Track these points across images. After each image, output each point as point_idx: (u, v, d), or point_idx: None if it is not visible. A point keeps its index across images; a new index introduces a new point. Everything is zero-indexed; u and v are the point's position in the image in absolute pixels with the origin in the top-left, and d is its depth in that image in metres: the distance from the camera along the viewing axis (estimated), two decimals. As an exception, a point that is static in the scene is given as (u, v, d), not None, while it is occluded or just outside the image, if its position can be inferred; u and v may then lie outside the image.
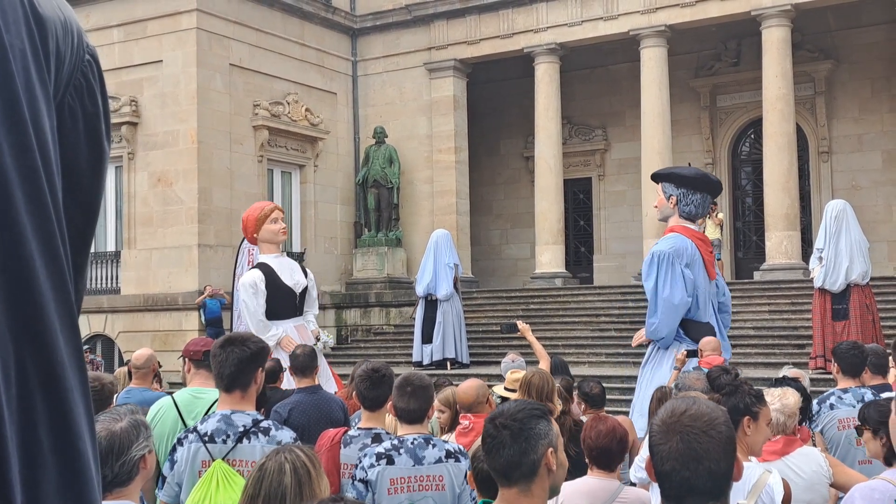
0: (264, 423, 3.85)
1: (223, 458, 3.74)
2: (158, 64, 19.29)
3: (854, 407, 5.77)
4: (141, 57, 19.46)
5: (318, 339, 8.10)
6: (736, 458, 2.03)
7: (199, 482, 3.67)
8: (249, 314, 7.81)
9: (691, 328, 7.36)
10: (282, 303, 7.92)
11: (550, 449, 2.53)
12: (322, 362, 7.80)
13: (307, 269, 8.43)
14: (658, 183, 7.92)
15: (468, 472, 3.29)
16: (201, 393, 4.77)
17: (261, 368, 3.88)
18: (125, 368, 8.18)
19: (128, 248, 19.44)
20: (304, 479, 2.80)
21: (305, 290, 8.12)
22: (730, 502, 2.05)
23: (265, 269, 7.94)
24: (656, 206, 7.91)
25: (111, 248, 19.90)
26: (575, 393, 6.79)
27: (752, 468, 3.71)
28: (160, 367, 7.11)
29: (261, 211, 8.07)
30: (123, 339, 18.91)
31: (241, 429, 3.80)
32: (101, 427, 2.85)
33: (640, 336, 7.86)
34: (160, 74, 19.27)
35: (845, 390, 5.97)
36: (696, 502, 1.99)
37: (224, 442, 3.79)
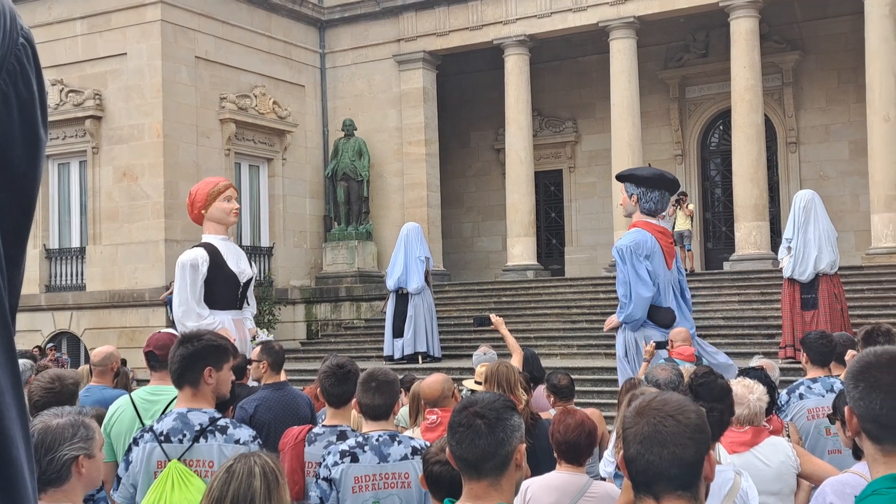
0: (222, 422, 3.76)
1: (179, 458, 3.65)
2: (123, 57, 19.03)
3: (823, 396, 5.76)
4: (105, 50, 19.19)
5: (254, 339, 7.32)
6: (707, 454, 1.97)
7: (154, 483, 3.59)
8: (180, 297, 6.92)
9: (655, 313, 7.92)
10: (223, 290, 7.09)
11: (522, 444, 2.47)
12: None
13: (251, 261, 7.66)
14: (622, 183, 8.50)
15: (420, 475, 3.22)
16: (159, 391, 4.66)
17: (211, 367, 3.76)
18: (87, 366, 8.01)
19: (93, 243, 19.17)
20: (273, 485, 2.77)
21: (249, 281, 7.34)
22: (703, 501, 1.98)
23: (210, 249, 7.05)
24: (622, 205, 8.61)
25: (76, 243, 19.63)
26: (543, 386, 6.74)
27: (724, 471, 3.68)
28: (125, 365, 6.88)
29: (214, 186, 7.19)
30: (89, 336, 18.66)
31: (198, 427, 3.71)
32: (39, 421, 2.81)
33: (611, 321, 8.17)
34: (124, 67, 19.00)
35: (814, 380, 5.96)
36: (663, 490, 1.95)
37: (180, 441, 3.70)
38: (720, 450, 4.44)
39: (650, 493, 1.96)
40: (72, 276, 19.53)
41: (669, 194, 8.42)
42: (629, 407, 2.09)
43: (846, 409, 2.05)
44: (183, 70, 19.12)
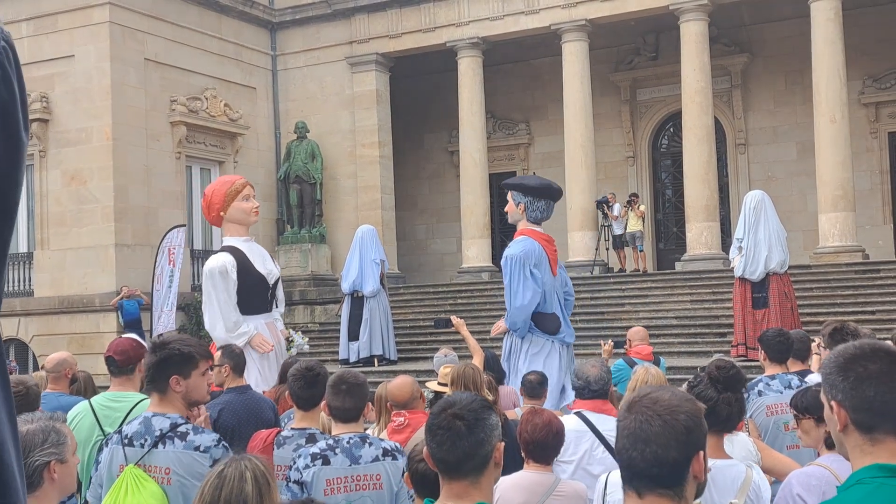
0: (182, 427, 3.70)
1: (137, 463, 3.60)
2: (70, 59, 18.70)
3: (781, 393, 5.84)
4: (51, 52, 18.84)
5: (289, 341, 7.15)
6: (696, 455, 1.98)
7: (112, 486, 3.56)
8: (212, 307, 6.60)
9: (540, 320, 8.15)
10: (253, 294, 6.78)
11: (501, 442, 2.49)
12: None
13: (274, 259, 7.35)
14: (508, 191, 8.77)
15: (405, 473, 3.22)
16: (120, 397, 4.59)
17: (177, 376, 3.70)
18: (42, 372, 7.84)
19: (41, 248, 18.80)
20: (265, 489, 2.76)
21: (277, 281, 7.08)
22: (690, 500, 2.00)
23: (236, 253, 6.75)
24: (507, 211, 8.82)
25: (23, 249, 19.24)
26: (503, 386, 6.76)
27: (736, 466, 3.72)
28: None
29: (231, 185, 6.83)
30: (38, 343, 18.30)
31: (158, 433, 3.66)
32: None
33: (498, 327, 8.44)
34: (72, 70, 18.68)
35: (772, 377, 6.04)
36: (644, 487, 1.96)
37: (142, 446, 3.66)
38: (743, 438, 4.51)
39: (633, 487, 1.98)
40: (19, 281, 19.13)
41: (554, 204, 8.70)
42: (624, 398, 2.12)
43: (833, 404, 2.04)
44: (132, 72, 18.84)
